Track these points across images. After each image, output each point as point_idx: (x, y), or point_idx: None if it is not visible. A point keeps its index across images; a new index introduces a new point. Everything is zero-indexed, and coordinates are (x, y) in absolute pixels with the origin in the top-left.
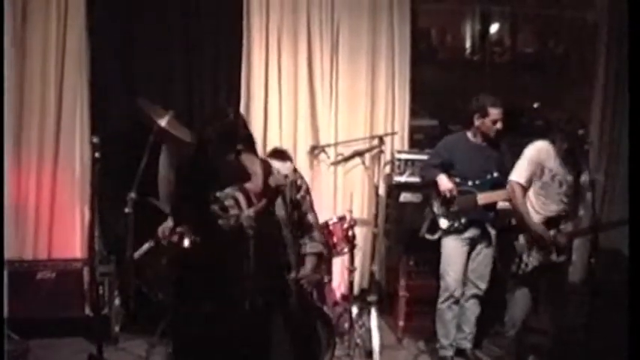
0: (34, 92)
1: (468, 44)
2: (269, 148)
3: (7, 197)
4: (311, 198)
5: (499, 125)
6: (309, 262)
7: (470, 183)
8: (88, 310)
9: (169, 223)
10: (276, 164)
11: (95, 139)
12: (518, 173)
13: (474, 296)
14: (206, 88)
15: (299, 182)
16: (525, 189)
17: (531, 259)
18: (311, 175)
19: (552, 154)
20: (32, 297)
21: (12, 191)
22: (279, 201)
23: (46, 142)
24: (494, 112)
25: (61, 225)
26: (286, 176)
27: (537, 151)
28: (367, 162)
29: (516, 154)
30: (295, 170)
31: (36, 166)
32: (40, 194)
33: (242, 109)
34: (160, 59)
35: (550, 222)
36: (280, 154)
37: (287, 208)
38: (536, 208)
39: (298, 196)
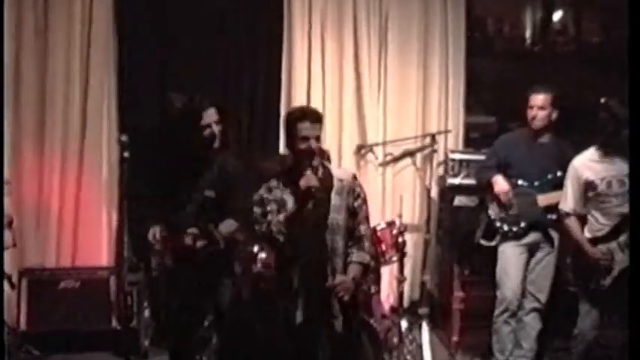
0: (57, 86)
1: (528, 34)
2: None
3: (28, 199)
4: (367, 208)
5: (542, 115)
6: (352, 271)
7: (529, 184)
8: (115, 323)
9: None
10: (335, 169)
11: (124, 138)
12: (566, 201)
13: (534, 310)
14: (244, 82)
15: (357, 190)
16: (580, 214)
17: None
18: (358, 177)
19: (596, 159)
20: (54, 308)
21: (33, 193)
22: (338, 205)
23: (70, 141)
24: (535, 99)
25: (86, 230)
26: (341, 180)
27: (575, 169)
28: (418, 162)
29: (580, 153)
30: (355, 177)
31: (59, 166)
32: (63, 196)
33: (282, 106)
34: (195, 51)
35: (613, 232)
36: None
37: (345, 214)
38: (597, 224)
39: (355, 205)
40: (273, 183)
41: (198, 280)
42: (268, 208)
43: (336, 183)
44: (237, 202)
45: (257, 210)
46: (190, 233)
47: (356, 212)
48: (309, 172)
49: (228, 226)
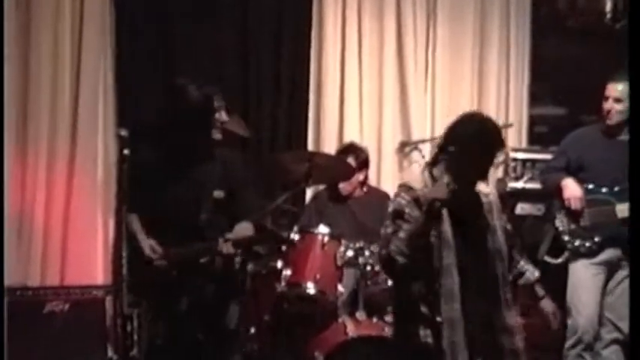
0: (42, 71)
1: (608, 7)
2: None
3: (8, 207)
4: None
5: (619, 108)
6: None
7: (606, 190)
8: (111, 353)
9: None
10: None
11: (123, 132)
12: None
13: (615, 342)
14: (264, 67)
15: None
16: None
17: None
18: (400, 178)
19: None
20: (39, 335)
21: (14, 199)
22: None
23: (59, 136)
24: (612, 89)
25: (77, 242)
26: (487, 195)
27: None
28: None
29: None
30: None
31: (45, 167)
32: (50, 203)
33: (312, 93)
34: (206, 29)
35: None
36: (352, 152)
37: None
38: None
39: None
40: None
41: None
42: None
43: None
44: (250, 202)
45: (390, 226)
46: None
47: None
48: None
49: (243, 229)
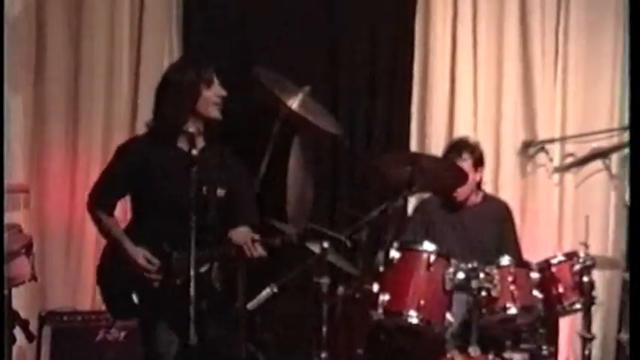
0: (96, 55)
1: None
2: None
3: (53, 215)
4: None
5: None
6: None
7: None
8: None
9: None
10: None
11: (191, 128)
12: None
13: None
14: (357, 53)
15: None
16: None
17: None
18: (523, 186)
19: None
20: None
21: (61, 206)
22: None
23: (115, 132)
24: None
25: None
26: None
27: None
28: (614, 168)
29: None
30: None
31: (99, 169)
32: None
33: (415, 85)
34: (287, 9)
35: None
36: (465, 148)
37: None
38: None
39: None
40: None
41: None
42: None
43: None
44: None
45: None
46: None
47: None
48: None
49: (240, 234)
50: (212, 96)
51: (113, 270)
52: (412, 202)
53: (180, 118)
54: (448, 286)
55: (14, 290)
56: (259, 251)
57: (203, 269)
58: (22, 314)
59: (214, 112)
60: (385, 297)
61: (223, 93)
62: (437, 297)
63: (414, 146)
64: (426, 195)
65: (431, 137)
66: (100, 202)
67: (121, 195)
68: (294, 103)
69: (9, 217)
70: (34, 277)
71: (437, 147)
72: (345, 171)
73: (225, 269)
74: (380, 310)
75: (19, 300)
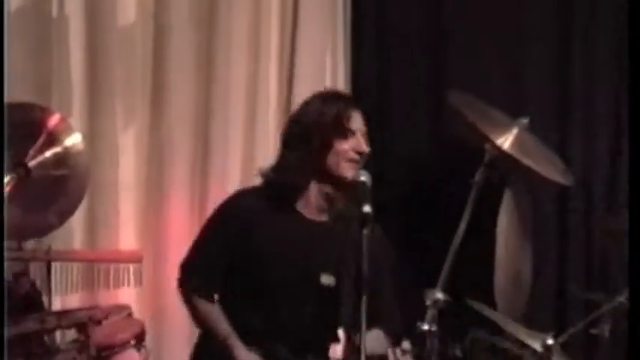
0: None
1: None
2: None
3: (172, 298)
4: None
5: None
6: None
7: None
8: None
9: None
10: None
11: (364, 177)
12: None
13: None
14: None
15: None
16: None
17: None
18: None
19: None
20: None
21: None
22: None
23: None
24: None
25: None
26: None
27: None
28: None
29: None
30: None
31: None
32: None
33: None
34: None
35: None
36: None
37: None
38: None
39: None
40: None
41: None
42: None
43: None
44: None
45: None
46: None
47: None
48: None
49: (373, 342)
50: (348, 150)
51: None
52: None
53: (299, 174)
54: None
55: None
56: None
57: None
58: None
59: (348, 172)
60: None
61: (364, 149)
62: None
63: None
64: None
65: None
66: (197, 282)
67: (224, 272)
68: (505, 142)
69: (115, 296)
70: None
71: None
72: (577, 237)
73: None
74: None
75: None
